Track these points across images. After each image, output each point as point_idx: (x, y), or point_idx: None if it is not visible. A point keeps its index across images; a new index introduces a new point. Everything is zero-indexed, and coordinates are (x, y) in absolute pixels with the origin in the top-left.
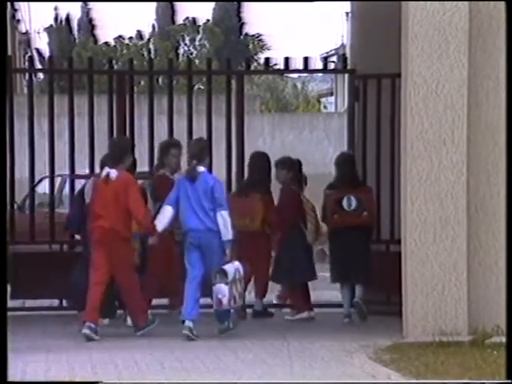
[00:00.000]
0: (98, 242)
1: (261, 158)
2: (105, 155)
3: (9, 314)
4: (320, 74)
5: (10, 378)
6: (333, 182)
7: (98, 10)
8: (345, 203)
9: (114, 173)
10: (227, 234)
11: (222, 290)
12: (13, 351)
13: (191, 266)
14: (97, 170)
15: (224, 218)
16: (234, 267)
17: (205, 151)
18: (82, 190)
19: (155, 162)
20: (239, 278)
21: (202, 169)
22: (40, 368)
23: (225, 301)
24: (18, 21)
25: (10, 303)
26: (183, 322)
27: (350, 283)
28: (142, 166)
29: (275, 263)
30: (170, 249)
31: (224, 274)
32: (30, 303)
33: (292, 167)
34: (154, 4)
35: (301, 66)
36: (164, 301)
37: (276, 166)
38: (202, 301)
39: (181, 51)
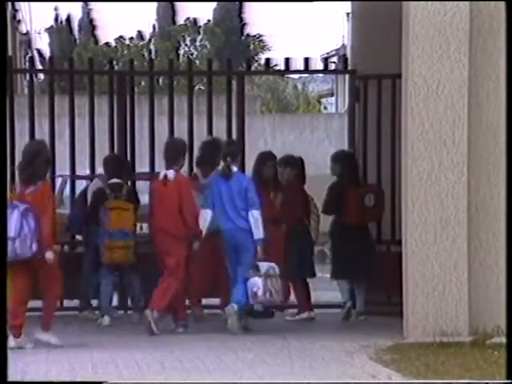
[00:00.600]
0: (159, 243)
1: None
2: (165, 156)
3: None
4: (320, 75)
5: (10, 378)
6: (339, 179)
7: (98, 11)
8: (367, 200)
9: (171, 173)
10: (258, 232)
11: (256, 282)
12: (13, 351)
13: (230, 264)
14: (97, 170)
15: (255, 218)
16: (267, 264)
17: (240, 152)
18: (84, 191)
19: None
20: (274, 275)
21: (235, 168)
22: (40, 368)
23: (260, 293)
24: (19, 21)
25: None
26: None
27: (352, 280)
28: (143, 166)
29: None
30: (215, 249)
31: (256, 268)
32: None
33: (295, 165)
34: (155, 4)
35: (301, 67)
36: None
37: (279, 164)
38: (205, 301)
39: (181, 52)
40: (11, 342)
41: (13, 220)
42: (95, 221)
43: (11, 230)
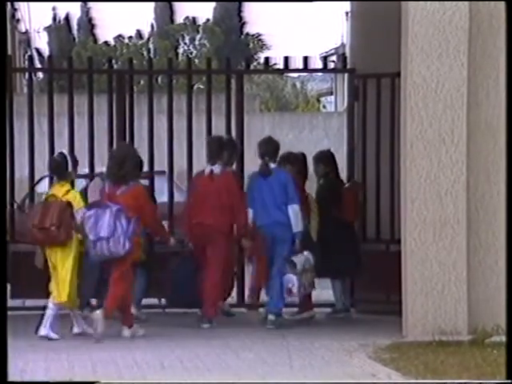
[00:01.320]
0: (200, 238)
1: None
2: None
3: (9, 313)
4: (320, 74)
5: (10, 378)
6: (324, 179)
7: (97, 10)
8: (350, 198)
9: (217, 169)
10: (298, 226)
11: (291, 279)
12: (13, 350)
13: (269, 262)
14: (97, 169)
15: (295, 212)
16: (303, 257)
17: (278, 150)
18: (84, 190)
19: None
20: (309, 268)
21: (273, 165)
22: (40, 367)
23: (294, 289)
24: (18, 20)
25: (10, 303)
26: (266, 316)
27: (341, 279)
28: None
29: None
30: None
31: (293, 264)
32: (29, 302)
33: (296, 162)
34: (153, 3)
35: (300, 66)
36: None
37: (279, 162)
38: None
39: (180, 50)
40: (125, 332)
41: (105, 220)
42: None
43: (103, 230)
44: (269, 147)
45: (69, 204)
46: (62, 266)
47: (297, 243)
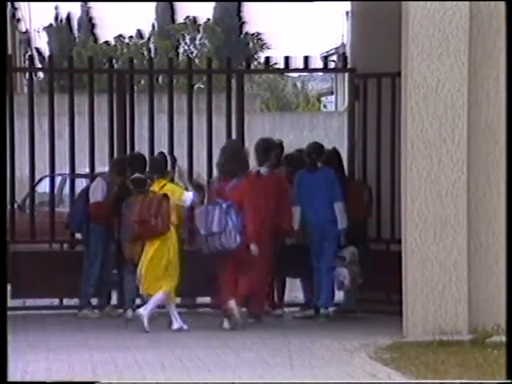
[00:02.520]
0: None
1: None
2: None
3: (9, 313)
4: (320, 73)
5: (10, 378)
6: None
7: (98, 9)
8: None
9: (264, 170)
10: (343, 222)
11: (343, 272)
12: (13, 350)
13: (316, 258)
14: (97, 169)
15: (340, 208)
16: (349, 251)
17: (323, 149)
18: (86, 190)
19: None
20: (354, 261)
21: (319, 164)
22: (40, 367)
23: (346, 282)
24: (18, 20)
25: (10, 302)
26: (318, 310)
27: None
28: None
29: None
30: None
31: (342, 258)
32: (30, 302)
33: (291, 162)
34: (154, 3)
35: (301, 65)
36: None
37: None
38: (207, 300)
39: (181, 50)
40: (225, 324)
41: (216, 216)
42: (118, 215)
43: (215, 226)
44: (315, 147)
45: (165, 196)
46: (162, 259)
47: (342, 239)
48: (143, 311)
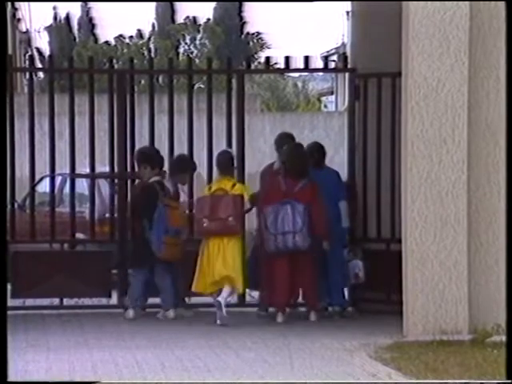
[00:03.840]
0: None
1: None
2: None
3: (9, 313)
4: (320, 73)
5: (11, 378)
6: None
7: (98, 9)
8: None
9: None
10: (346, 221)
11: (357, 264)
12: (13, 350)
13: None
14: (98, 169)
15: (345, 207)
16: (358, 248)
17: (324, 149)
18: (91, 189)
19: None
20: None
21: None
22: (40, 367)
23: (361, 274)
24: (19, 20)
25: (11, 302)
26: (326, 309)
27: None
28: None
29: None
30: None
31: (359, 251)
32: (30, 302)
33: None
34: (154, 3)
35: (301, 65)
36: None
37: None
38: (207, 299)
39: (181, 50)
40: (279, 318)
41: (289, 216)
42: (148, 216)
43: (288, 225)
44: (319, 147)
45: (240, 196)
46: (234, 256)
47: (346, 238)
48: (220, 320)
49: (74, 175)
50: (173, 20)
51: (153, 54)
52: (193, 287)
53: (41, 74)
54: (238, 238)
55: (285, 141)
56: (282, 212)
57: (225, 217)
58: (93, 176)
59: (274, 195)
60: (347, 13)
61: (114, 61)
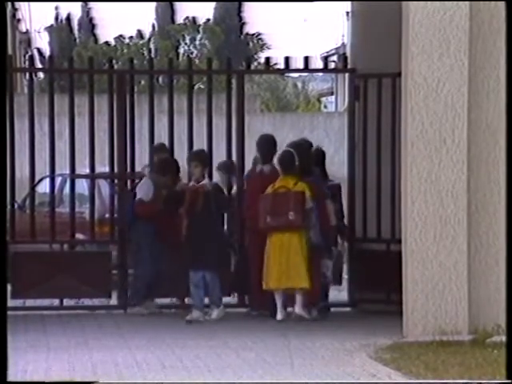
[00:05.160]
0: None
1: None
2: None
3: (9, 313)
4: (320, 74)
5: (11, 378)
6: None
7: (98, 10)
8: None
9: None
10: (334, 219)
11: (326, 263)
12: (13, 350)
13: None
14: (97, 169)
15: (331, 206)
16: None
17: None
18: (134, 188)
19: None
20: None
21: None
22: (40, 367)
23: (328, 274)
24: (19, 20)
25: (10, 303)
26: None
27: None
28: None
29: None
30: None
31: (331, 251)
32: (30, 302)
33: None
34: (154, 3)
35: (301, 66)
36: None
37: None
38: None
39: (181, 50)
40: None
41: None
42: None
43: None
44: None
45: (302, 194)
46: (297, 253)
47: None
48: (300, 311)
49: (73, 175)
50: (172, 20)
51: (153, 55)
52: (264, 285)
53: (41, 75)
54: (300, 233)
55: (272, 145)
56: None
57: (286, 213)
58: (93, 176)
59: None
60: (347, 13)
61: (114, 61)
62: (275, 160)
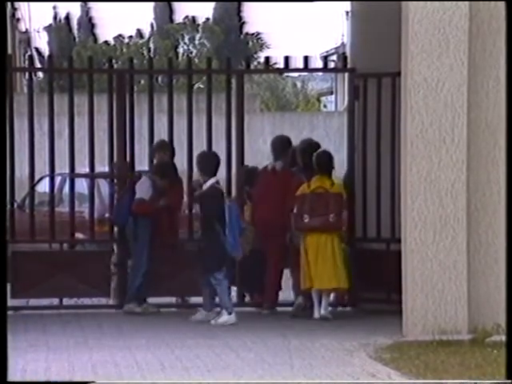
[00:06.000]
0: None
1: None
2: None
3: (9, 313)
4: (320, 73)
5: (10, 378)
6: None
7: (97, 9)
8: None
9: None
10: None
11: None
12: (13, 350)
13: None
14: (97, 168)
15: None
16: None
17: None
18: (132, 186)
19: None
20: None
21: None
22: (40, 367)
23: None
24: (18, 20)
25: (10, 302)
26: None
27: None
28: (142, 165)
29: None
30: None
31: None
32: (30, 302)
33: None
34: (153, 3)
35: (301, 65)
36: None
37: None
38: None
39: (181, 50)
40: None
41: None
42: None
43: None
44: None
45: (341, 195)
46: (336, 253)
47: None
48: (326, 312)
49: (73, 175)
50: (172, 20)
51: (152, 54)
52: (303, 285)
53: (40, 74)
54: (337, 234)
55: (286, 145)
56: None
57: (327, 214)
58: (92, 176)
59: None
60: (347, 13)
61: (114, 61)
62: (313, 160)
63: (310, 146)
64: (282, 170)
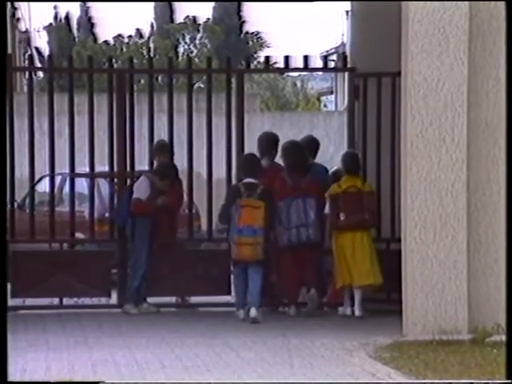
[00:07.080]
0: None
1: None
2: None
3: (9, 312)
4: (320, 73)
5: (10, 378)
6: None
7: (97, 9)
8: None
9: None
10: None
11: (330, 260)
12: (13, 350)
13: None
14: (97, 168)
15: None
16: None
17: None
18: (131, 186)
19: None
20: None
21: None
22: (40, 367)
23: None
24: (18, 19)
25: (10, 302)
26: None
27: None
28: (142, 165)
29: None
30: None
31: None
32: (29, 302)
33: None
34: (153, 3)
35: (301, 65)
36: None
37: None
38: (207, 299)
39: (181, 50)
40: (291, 311)
41: (301, 210)
42: (227, 217)
43: (301, 219)
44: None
45: (373, 194)
46: (371, 250)
47: None
48: (359, 312)
49: (73, 175)
50: (172, 19)
51: (152, 54)
52: (341, 282)
53: (40, 74)
54: (370, 231)
55: (271, 142)
56: (294, 206)
57: (362, 211)
58: (92, 175)
59: (284, 191)
60: (347, 12)
61: (114, 60)
62: (340, 160)
63: (293, 145)
64: (268, 167)
